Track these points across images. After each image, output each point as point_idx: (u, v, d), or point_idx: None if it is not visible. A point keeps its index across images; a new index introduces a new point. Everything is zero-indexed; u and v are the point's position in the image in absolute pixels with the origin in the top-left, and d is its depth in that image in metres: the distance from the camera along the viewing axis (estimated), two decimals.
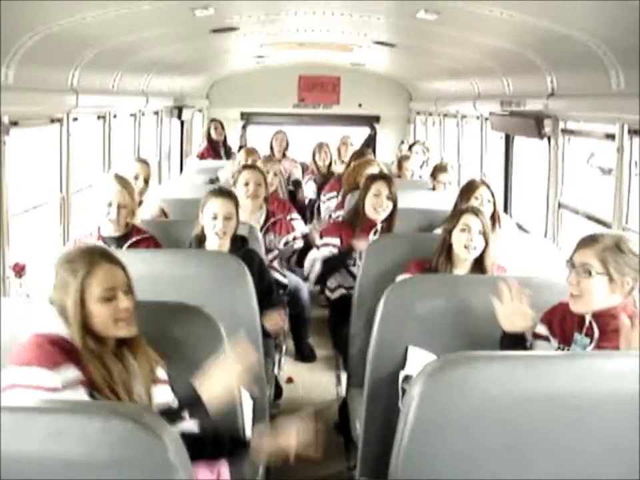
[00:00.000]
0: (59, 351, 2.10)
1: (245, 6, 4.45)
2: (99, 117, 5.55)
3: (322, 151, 7.69)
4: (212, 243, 3.79)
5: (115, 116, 5.75)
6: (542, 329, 2.73)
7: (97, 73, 4.73)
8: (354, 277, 4.19)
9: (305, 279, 4.87)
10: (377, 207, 4.44)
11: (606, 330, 2.55)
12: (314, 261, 4.48)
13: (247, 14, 4.75)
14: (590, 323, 2.58)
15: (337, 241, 4.46)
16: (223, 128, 8.80)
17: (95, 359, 2.16)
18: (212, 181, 6.52)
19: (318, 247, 4.52)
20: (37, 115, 4.32)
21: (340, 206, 5.80)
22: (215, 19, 4.52)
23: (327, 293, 4.62)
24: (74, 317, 2.16)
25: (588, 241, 2.59)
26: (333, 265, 4.42)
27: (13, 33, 3.28)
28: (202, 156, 8.61)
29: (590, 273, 2.52)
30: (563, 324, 2.68)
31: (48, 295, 2.25)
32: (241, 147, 8.75)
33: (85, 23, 3.62)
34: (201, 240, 3.84)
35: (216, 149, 8.68)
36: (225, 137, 8.88)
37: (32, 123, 4.26)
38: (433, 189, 6.08)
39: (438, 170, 6.16)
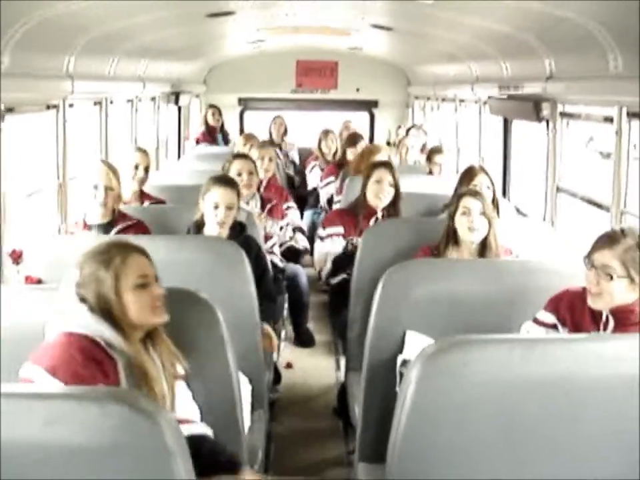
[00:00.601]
0: (87, 360, 2.10)
1: None
2: (95, 103, 5.52)
3: (328, 138, 7.60)
4: (211, 230, 3.79)
5: (111, 102, 5.72)
6: (548, 317, 2.72)
7: (93, 59, 4.70)
8: None
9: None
10: (378, 194, 4.45)
11: (625, 324, 2.55)
12: (325, 257, 4.45)
13: None
14: (607, 317, 2.58)
15: (340, 229, 4.47)
16: (220, 114, 8.78)
17: (125, 356, 2.18)
18: None
19: (322, 239, 4.51)
20: (32, 101, 4.30)
21: (339, 191, 5.79)
22: (211, 3, 4.49)
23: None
24: (110, 307, 2.19)
25: (608, 241, 2.55)
26: (344, 263, 4.40)
27: (8, 19, 3.25)
28: (198, 141, 8.58)
29: (611, 277, 2.50)
30: (572, 313, 2.67)
31: (75, 292, 2.24)
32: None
33: (80, 8, 3.60)
34: (199, 226, 3.83)
35: (213, 134, 8.66)
36: (223, 123, 8.85)
37: (28, 109, 4.24)
38: (430, 172, 6.08)
39: (433, 152, 6.19)
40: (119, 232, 3.80)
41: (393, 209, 4.49)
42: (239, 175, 4.66)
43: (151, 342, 2.32)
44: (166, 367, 2.32)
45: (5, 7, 3.04)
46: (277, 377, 4.55)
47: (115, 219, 3.84)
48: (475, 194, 3.60)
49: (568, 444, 2.04)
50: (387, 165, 4.61)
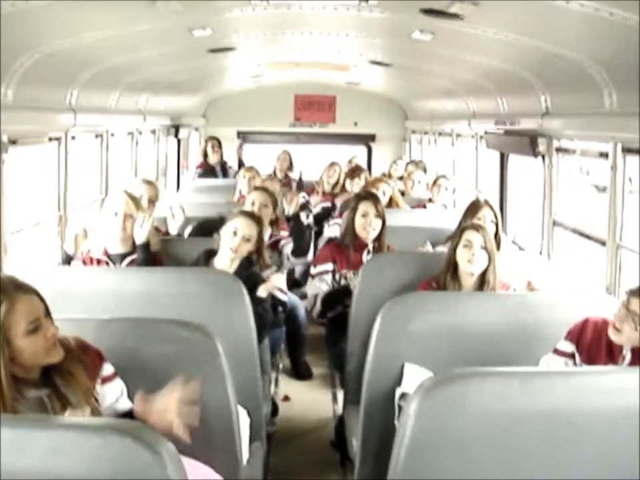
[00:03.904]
0: None
1: (242, 26, 4.49)
2: (96, 136, 5.57)
3: (331, 169, 7.62)
4: (222, 260, 3.81)
5: (112, 134, 5.78)
6: (567, 346, 2.75)
7: (95, 93, 4.76)
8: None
9: (303, 296, 4.88)
10: (366, 227, 4.47)
11: None
12: (314, 298, 4.47)
13: (244, 34, 4.79)
14: (626, 352, 2.62)
15: (329, 266, 4.47)
16: (220, 146, 8.63)
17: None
18: None
19: (312, 277, 4.53)
20: (35, 133, 4.35)
21: (339, 215, 5.85)
22: (213, 39, 4.56)
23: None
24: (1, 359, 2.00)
25: None
26: (332, 303, 4.42)
27: (12, 53, 3.31)
28: (198, 168, 8.52)
29: (636, 327, 2.56)
30: (590, 343, 2.71)
31: None
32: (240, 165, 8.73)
33: (83, 43, 3.66)
34: (210, 255, 3.86)
35: (212, 168, 8.55)
36: (222, 155, 8.76)
37: (31, 141, 4.29)
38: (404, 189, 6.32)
39: (409, 164, 6.40)
40: (132, 261, 3.84)
41: (378, 240, 4.51)
42: (252, 204, 4.79)
43: (55, 371, 2.17)
44: (79, 388, 2.19)
45: (9, 41, 3.10)
46: (274, 410, 4.53)
47: (133, 250, 3.88)
48: (478, 228, 3.64)
49: (568, 475, 2.04)
50: (371, 197, 4.64)
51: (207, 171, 8.42)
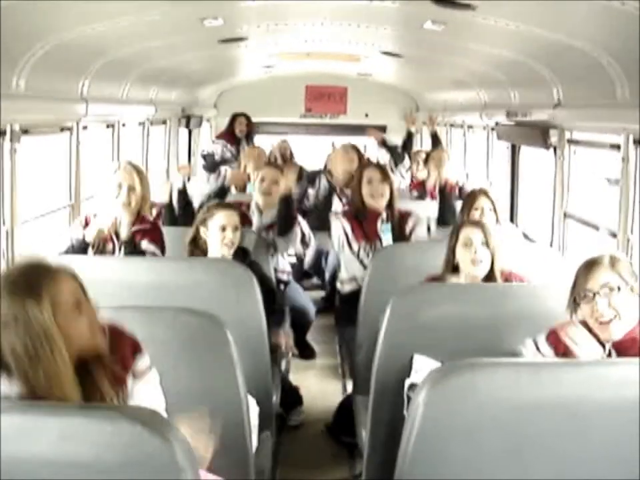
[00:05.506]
0: None
1: (253, 16, 4.49)
2: (108, 126, 5.59)
3: (347, 156, 7.52)
4: (214, 254, 3.81)
5: (123, 125, 5.80)
6: (546, 350, 2.66)
7: (107, 82, 4.77)
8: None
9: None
10: (373, 194, 4.42)
11: (627, 354, 2.53)
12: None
13: (255, 24, 4.79)
14: (609, 350, 2.55)
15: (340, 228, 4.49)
16: (249, 123, 8.29)
17: None
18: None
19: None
20: (47, 123, 4.37)
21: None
22: (224, 29, 4.56)
23: (338, 285, 4.61)
24: (52, 339, 1.85)
25: (595, 265, 2.54)
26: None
27: (25, 43, 3.33)
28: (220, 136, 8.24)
29: (618, 289, 2.48)
30: (567, 346, 2.66)
31: None
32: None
33: (95, 33, 3.66)
34: (204, 252, 3.86)
35: (237, 139, 8.19)
36: (250, 131, 8.36)
37: (42, 131, 4.31)
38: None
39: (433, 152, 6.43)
40: (133, 233, 3.82)
41: (390, 207, 4.45)
42: (262, 180, 4.71)
43: (90, 360, 2.03)
44: (111, 379, 2.05)
45: (20, 31, 3.11)
46: (299, 399, 4.53)
47: (135, 220, 3.86)
48: (476, 224, 3.49)
49: (574, 467, 2.04)
50: (373, 164, 4.60)
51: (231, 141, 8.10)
